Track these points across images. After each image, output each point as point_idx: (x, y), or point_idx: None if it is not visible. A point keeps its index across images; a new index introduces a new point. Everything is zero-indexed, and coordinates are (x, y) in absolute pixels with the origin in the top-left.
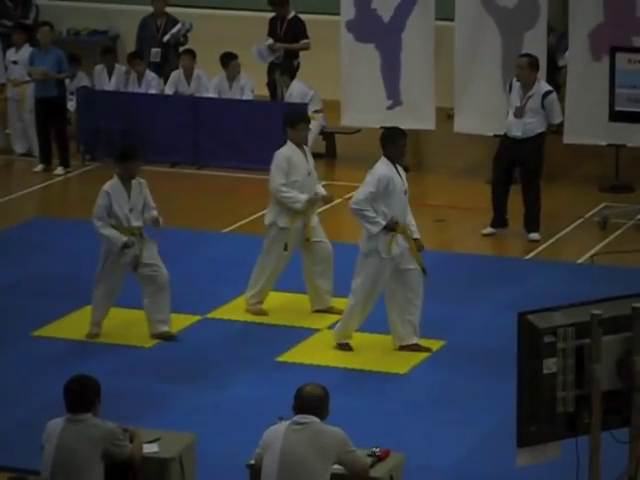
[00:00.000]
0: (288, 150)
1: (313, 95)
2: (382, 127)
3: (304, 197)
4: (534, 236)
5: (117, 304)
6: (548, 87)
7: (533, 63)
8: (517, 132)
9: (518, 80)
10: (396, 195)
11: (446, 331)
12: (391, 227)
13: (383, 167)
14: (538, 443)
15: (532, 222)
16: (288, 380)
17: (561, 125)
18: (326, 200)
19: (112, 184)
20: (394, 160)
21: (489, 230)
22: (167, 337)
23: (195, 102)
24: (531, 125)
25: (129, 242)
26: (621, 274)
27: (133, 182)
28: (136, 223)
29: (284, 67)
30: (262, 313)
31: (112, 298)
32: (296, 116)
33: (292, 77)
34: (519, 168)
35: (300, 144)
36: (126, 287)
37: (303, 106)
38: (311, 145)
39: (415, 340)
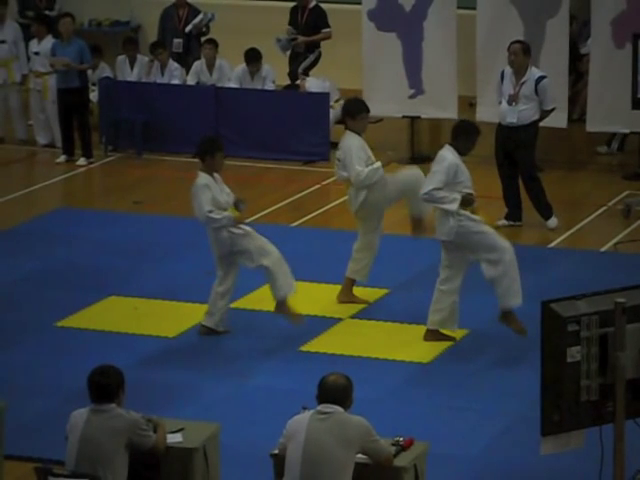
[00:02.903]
0: (356, 139)
1: (330, 86)
2: (404, 116)
3: (378, 164)
4: (551, 223)
5: (140, 295)
6: (541, 72)
7: (526, 49)
8: (512, 119)
9: (511, 67)
10: (464, 181)
11: (469, 320)
12: (468, 200)
13: (450, 155)
14: (562, 432)
15: (543, 210)
16: (311, 370)
17: (584, 113)
18: (392, 158)
19: (205, 177)
20: (460, 152)
21: (502, 222)
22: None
23: (217, 92)
24: (525, 112)
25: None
26: None
27: (215, 175)
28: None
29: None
30: None
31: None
32: (356, 106)
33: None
34: (515, 157)
35: (360, 133)
36: (151, 278)
37: (359, 99)
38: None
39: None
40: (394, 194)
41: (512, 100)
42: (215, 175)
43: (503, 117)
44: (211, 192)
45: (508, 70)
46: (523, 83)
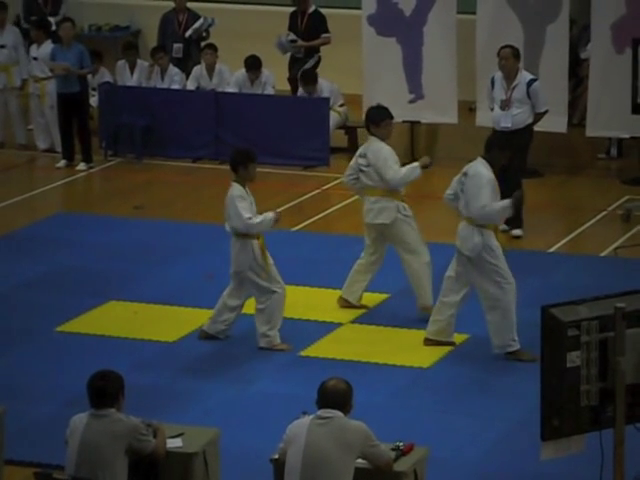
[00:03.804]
0: (383, 144)
1: (336, 90)
2: (404, 121)
3: (416, 164)
4: (517, 232)
5: (140, 299)
6: (531, 75)
7: (516, 53)
8: (506, 123)
9: (502, 71)
10: (496, 197)
11: (469, 325)
12: (520, 201)
13: (485, 170)
14: (562, 436)
15: (514, 218)
16: (311, 375)
17: (584, 118)
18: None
19: (239, 189)
20: (492, 165)
21: (503, 227)
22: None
23: (217, 97)
24: (519, 116)
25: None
26: None
27: (246, 187)
28: None
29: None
30: None
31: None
32: (380, 113)
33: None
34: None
35: (384, 140)
36: (151, 282)
37: (382, 106)
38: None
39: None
40: (411, 240)
41: (505, 105)
42: (246, 188)
43: (497, 122)
44: (246, 202)
45: (498, 75)
46: (515, 87)
